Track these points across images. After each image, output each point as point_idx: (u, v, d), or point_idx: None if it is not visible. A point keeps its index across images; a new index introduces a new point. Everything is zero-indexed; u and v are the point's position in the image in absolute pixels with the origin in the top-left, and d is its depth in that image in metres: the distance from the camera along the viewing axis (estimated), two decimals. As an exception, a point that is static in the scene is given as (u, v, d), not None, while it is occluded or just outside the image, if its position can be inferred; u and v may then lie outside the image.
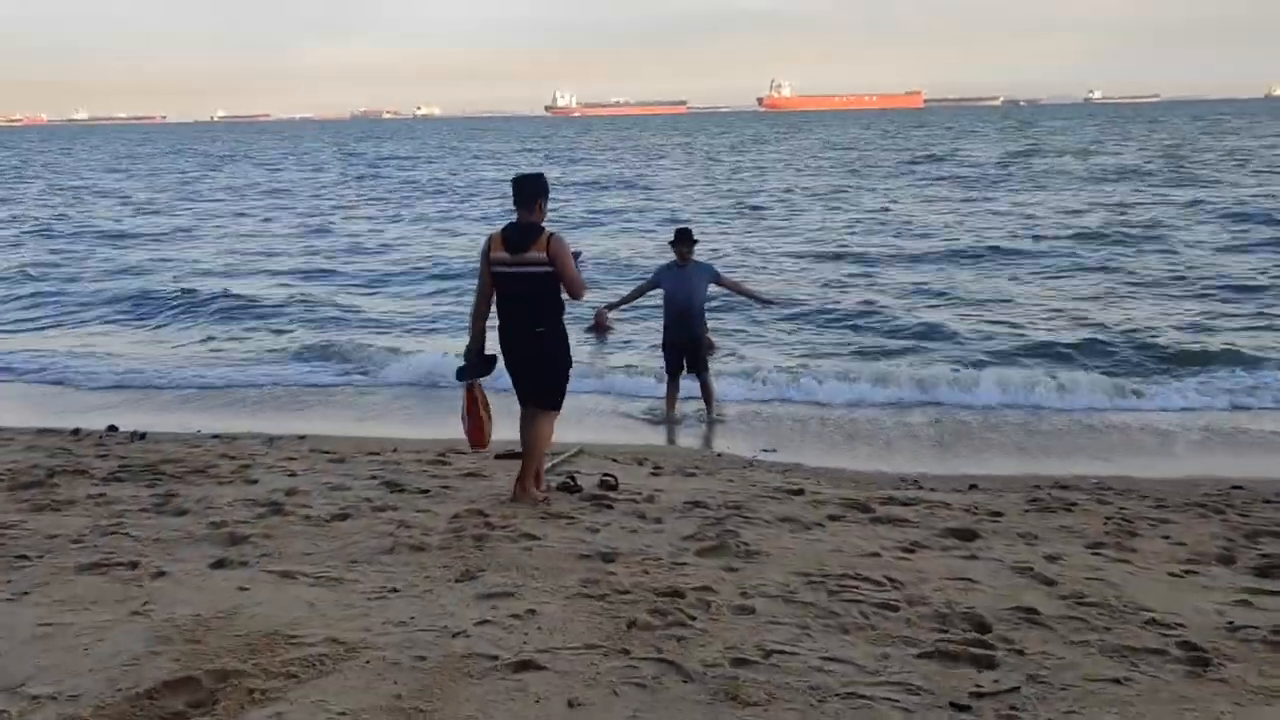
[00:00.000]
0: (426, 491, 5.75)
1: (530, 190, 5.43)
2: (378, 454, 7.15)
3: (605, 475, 5.98)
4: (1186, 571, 4.42)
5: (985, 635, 3.58)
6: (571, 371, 5.64)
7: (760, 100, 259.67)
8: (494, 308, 5.51)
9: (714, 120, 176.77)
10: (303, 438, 8.03)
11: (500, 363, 5.62)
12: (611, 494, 5.70)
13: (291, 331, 13.50)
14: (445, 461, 6.79)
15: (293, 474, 6.27)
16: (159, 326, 14.32)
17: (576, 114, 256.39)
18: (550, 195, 5.58)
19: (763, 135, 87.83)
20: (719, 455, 7.75)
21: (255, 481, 6.02)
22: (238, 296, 15.79)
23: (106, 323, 14.62)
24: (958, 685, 3.18)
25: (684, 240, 8.54)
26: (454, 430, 7.95)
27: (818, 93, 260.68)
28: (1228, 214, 23.21)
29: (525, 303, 5.38)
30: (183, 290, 16.19)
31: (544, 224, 5.46)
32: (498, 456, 6.78)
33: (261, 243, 23.39)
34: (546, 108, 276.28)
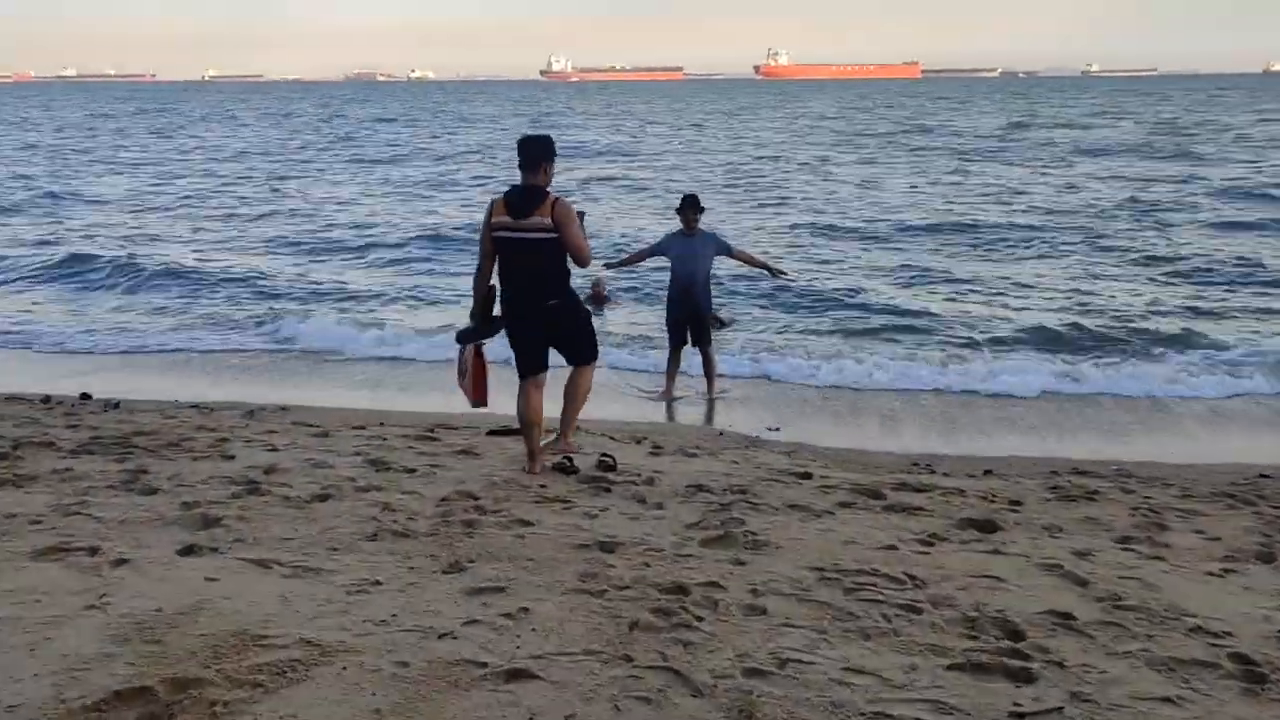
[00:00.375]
0: (413, 471, 5.42)
1: (536, 152, 5.16)
2: (363, 428, 6.81)
3: (603, 455, 5.65)
4: (1225, 570, 4.13)
5: (1019, 644, 3.28)
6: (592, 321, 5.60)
7: (757, 68, 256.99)
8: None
9: (710, 87, 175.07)
10: (285, 409, 7.70)
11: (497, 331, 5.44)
12: (610, 475, 5.39)
13: (256, 299, 13.03)
14: (434, 438, 6.44)
15: (273, 449, 5.93)
16: (107, 289, 13.82)
17: (572, 79, 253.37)
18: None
19: (757, 103, 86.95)
20: (721, 434, 7.44)
21: (232, 457, 5.68)
22: (201, 262, 15.35)
23: (68, 286, 14.08)
24: (994, 703, 2.88)
25: (691, 206, 8.17)
26: (440, 404, 7.66)
27: (815, 61, 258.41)
28: (1226, 190, 22.91)
29: (530, 271, 5.17)
30: (145, 255, 15.63)
31: (549, 188, 5.18)
32: (489, 433, 6.46)
33: (230, 206, 22.73)
34: (541, 72, 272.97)
